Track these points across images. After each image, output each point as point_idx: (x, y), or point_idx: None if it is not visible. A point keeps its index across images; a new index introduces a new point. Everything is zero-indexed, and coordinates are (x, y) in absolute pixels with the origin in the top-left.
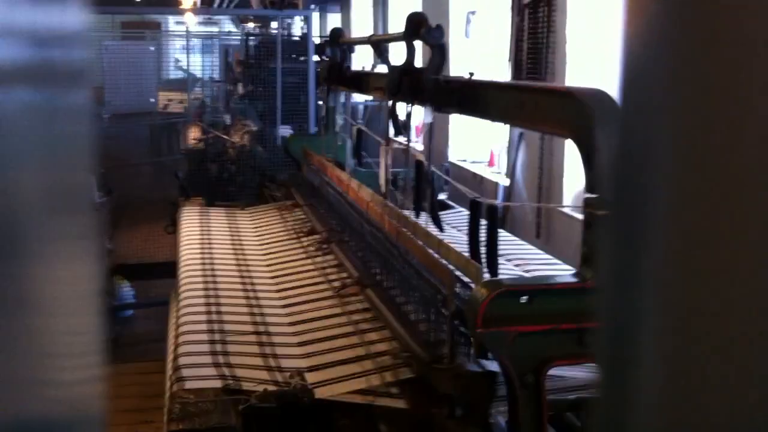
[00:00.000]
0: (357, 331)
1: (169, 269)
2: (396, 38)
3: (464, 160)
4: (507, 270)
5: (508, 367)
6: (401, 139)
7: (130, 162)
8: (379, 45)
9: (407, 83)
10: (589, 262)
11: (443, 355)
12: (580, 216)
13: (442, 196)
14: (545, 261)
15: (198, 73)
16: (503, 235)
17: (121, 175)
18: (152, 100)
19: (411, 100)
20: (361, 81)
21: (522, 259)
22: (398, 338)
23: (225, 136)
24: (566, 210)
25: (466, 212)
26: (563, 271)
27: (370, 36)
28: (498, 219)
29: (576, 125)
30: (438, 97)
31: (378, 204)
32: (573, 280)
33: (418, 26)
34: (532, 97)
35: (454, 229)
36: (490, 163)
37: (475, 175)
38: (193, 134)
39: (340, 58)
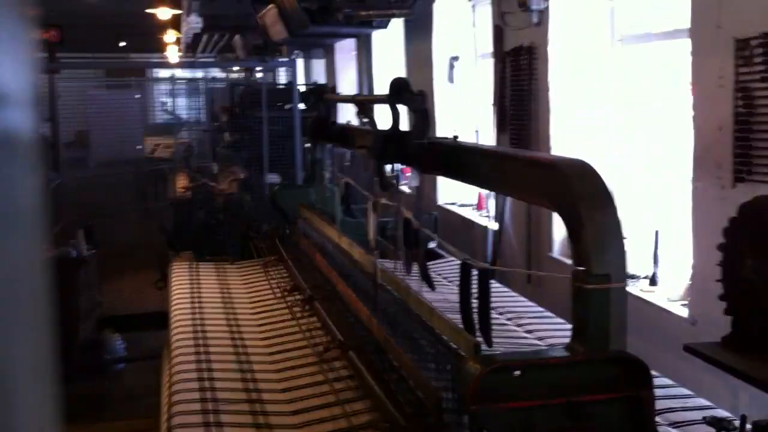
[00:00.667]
0: (339, 401)
1: (159, 319)
2: (379, 100)
3: (453, 203)
4: (499, 325)
5: None
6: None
7: (117, 212)
8: (363, 104)
9: (392, 146)
10: (580, 336)
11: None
12: (568, 261)
13: (431, 245)
14: (537, 314)
15: (184, 116)
16: (495, 286)
17: (107, 224)
18: (139, 147)
19: (396, 161)
20: (347, 136)
21: (514, 312)
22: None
23: (212, 183)
24: (555, 255)
25: (455, 262)
26: (554, 325)
27: (355, 95)
28: (489, 285)
29: (560, 198)
30: (423, 161)
31: (368, 264)
32: (564, 354)
33: (401, 91)
34: (515, 167)
35: (445, 280)
36: (479, 207)
37: (464, 219)
38: (180, 182)
39: (325, 114)
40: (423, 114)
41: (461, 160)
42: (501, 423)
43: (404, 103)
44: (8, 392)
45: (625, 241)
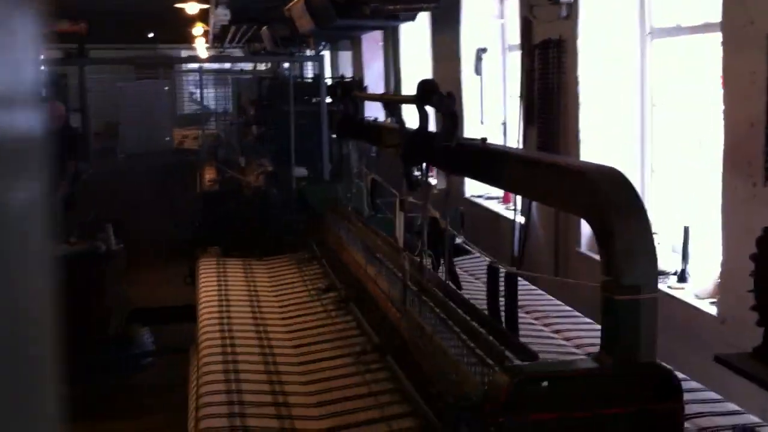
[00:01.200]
0: (378, 404)
1: (187, 312)
2: (407, 100)
3: (480, 196)
4: (526, 325)
5: None
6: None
7: (145, 204)
8: (391, 104)
9: (420, 148)
10: (609, 348)
11: None
12: (596, 256)
13: (458, 240)
14: (564, 313)
15: (212, 106)
16: (522, 284)
17: (136, 217)
18: (167, 138)
19: (424, 163)
20: (374, 134)
21: (541, 311)
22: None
23: (240, 176)
24: (583, 251)
25: (482, 258)
26: (581, 325)
27: (382, 94)
28: (516, 288)
29: (589, 207)
30: (450, 163)
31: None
32: (593, 365)
33: (429, 93)
34: (544, 173)
35: (472, 277)
36: (506, 200)
37: (491, 212)
38: (209, 175)
39: (352, 111)
40: (451, 116)
41: (489, 164)
42: None
43: (432, 105)
44: (13, 392)
45: (656, 249)
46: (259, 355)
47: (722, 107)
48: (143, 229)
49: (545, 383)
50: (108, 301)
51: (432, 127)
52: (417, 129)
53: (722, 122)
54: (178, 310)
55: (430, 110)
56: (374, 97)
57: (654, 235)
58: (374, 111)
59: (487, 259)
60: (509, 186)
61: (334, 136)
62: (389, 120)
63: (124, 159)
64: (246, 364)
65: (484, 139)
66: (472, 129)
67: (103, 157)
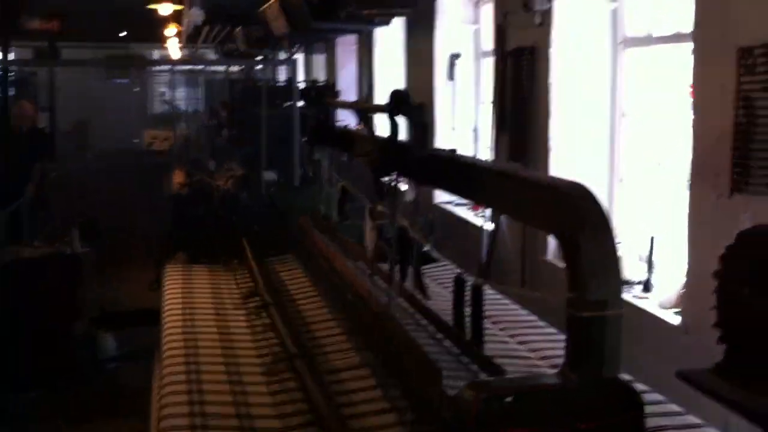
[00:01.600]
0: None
1: (154, 317)
2: (379, 109)
3: (449, 203)
4: (491, 335)
5: None
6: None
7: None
8: (363, 112)
9: (390, 158)
10: (573, 363)
11: None
12: (561, 264)
13: (426, 248)
14: (530, 324)
15: (183, 107)
16: (488, 293)
17: (104, 219)
18: (136, 140)
19: (394, 173)
20: (345, 141)
21: (507, 321)
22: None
23: (210, 179)
24: (549, 258)
25: (450, 266)
26: (546, 336)
27: (354, 102)
28: (483, 300)
29: (556, 222)
30: (420, 174)
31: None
32: (557, 381)
33: (401, 103)
34: (512, 187)
35: (440, 286)
36: (475, 207)
37: (459, 218)
38: (177, 178)
39: (324, 117)
40: (422, 127)
41: (458, 176)
42: None
43: (404, 115)
44: None
45: (621, 266)
46: (223, 365)
47: (691, 118)
48: (112, 232)
49: (509, 399)
50: (74, 304)
51: (403, 136)
52: (387, 138)
53: (691, 133)
54: (145, 313)
55: (401, 120)
56: (346, 105)
57: (618, 246)
58: (346, 116)
59: (455, 268)
60: (477, 198)
61: (305, 140)
62: (361, 127)
63: (94, 159)
64: (209, 374)
65: (453, 150)
66: (444, 134)
67: (72, 157)
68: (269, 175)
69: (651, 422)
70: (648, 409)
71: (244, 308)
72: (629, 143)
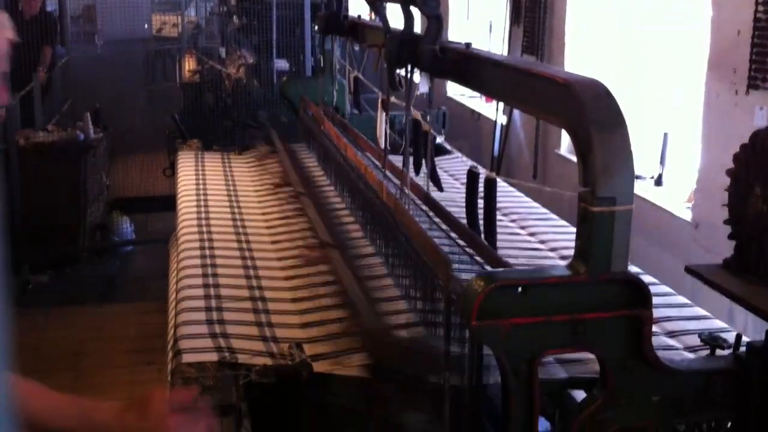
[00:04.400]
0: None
1: (167, 203)
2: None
3: (462, 95)
4: (503, 227)
5: (501, 357)
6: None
7: (125, 92)
8: (375, 3)
9: (404, 51)
10: (583, 256)
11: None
12: (574, 158)
13: (439, 140)
14: (540, 216)
15: None
16: (500, 186)
17: (116, 105)
18: (146, 26)
19: (409, 66)
20: (358, 32)
21: (518, 213)
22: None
23: (221, 67)
24: (562, 153)
25: (462, 159)
26: (557, 228)
27: None
28: (495, 193)
29: (571, 119)
30: (434, 67)
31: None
32: (566, 273)
33: None
34: (527, 81)
35: (451, 178)
36: (488, 99)
37: (473, 112)
38: (189, 65)
39: (336, 7)
40: (437, 20)
41: (472, 69)
42: (502, 339)
43: (417, 7)
44: None
45: (633, 163)
46: (237, 250)
47: (710, 14)
48: (124, 119)
49: (519, 289)
50: (87, 190)
51: (417, 28)
52: (401, 30)
53: (709, 28)
54: (159, 200)
55: (415, 11)
56: None
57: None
58: (359, 7)
59: (467, 159)
60: (492, 92)
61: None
62: (373, 18)
63: (103, 44)
64: (223, 259)
65: (468, 44)
66: (457, 27)
67: (82, 43)
68: (281, 64)
69: (658, 313)
70: (655, 300)
71: (256, 193)
72: (646, 38)
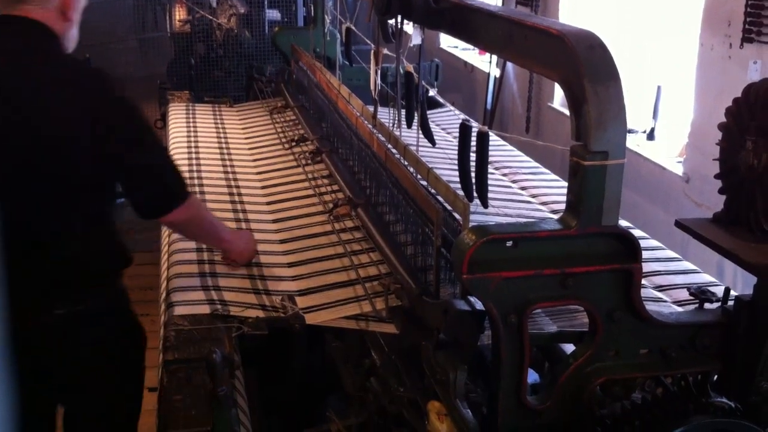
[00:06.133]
0: (347, 253)
1: None
2: None
3: (455, 47)
4: (494, 180)
5: (492, 308)
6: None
7: (115, 40)
8: None
9: (397, 2)
10: (574, 210)
11: (430, 286)
12: (566, 111)
13: (431, 93)
14: (532, 170)
15: None
16: (492, 139)
17: (106, 54)
18: None
19: (400, 17)
20: None
21: (510, 168)
22: (388, 265)
23: (211, 17)
24: (555, 106)
25: (455, 113)
26: (548, 182)
27: None
28: (488, 147)
29: (565, 72)
30: (427, 18)
31: (367, 121)
32: (557, 227)
33: None
34: (521, 32)
35: (444, 131)
36: (481, 52)
37: (466, 63)
38: (179, 15)
39: None
40: None
41: (465, 21)
42: (493, 291)
43: None
44: None
45: (626, 118)
46: (229, 203)
47: None
48: (114, 68)
49: (510, 243)
50: None
51: None
52: None
53: None
54: None
55: None
56: None
57: (625, 117)
58: None
59: (460, 113)
60: (486, 45)
61: None
62: None
63: None
64: (215, 212)
65: None
66: None
67: None
68: (272, 14)
69: (647, 267)
70: (645, 254)
71: (245, 144)
72: None
